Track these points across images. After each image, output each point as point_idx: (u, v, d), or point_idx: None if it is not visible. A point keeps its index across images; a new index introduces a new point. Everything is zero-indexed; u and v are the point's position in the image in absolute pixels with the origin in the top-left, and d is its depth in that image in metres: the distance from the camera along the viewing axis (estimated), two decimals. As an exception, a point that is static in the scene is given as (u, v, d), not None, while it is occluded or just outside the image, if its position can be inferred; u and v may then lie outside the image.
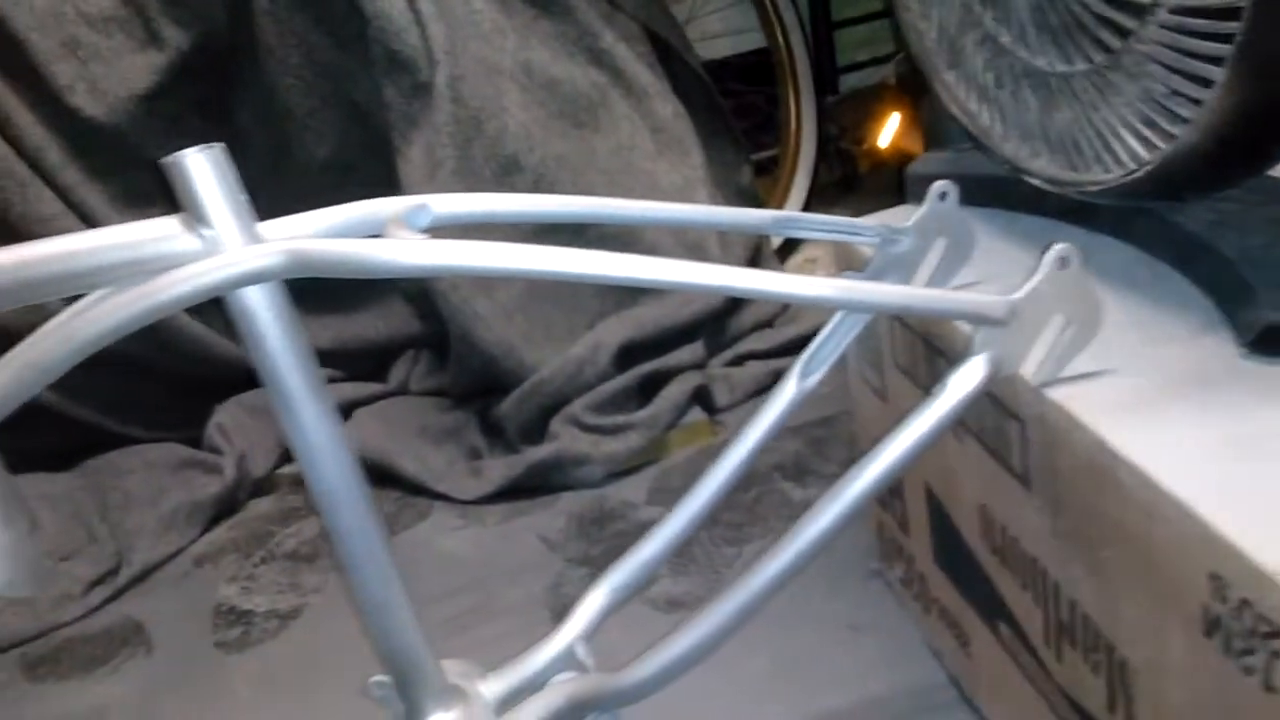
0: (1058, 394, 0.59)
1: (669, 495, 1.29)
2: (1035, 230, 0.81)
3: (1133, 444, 0.54)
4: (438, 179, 1.30)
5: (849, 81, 2.24)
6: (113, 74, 1.28)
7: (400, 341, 1.60)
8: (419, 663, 0.62)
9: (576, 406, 1.33)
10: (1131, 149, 0.63)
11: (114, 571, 1.29)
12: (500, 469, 1.32)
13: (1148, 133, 0.61)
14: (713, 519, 1.22)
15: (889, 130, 1.84)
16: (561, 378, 1.34)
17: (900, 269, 0.70)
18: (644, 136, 1.53)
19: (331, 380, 1.55)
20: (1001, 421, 0.66)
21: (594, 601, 0.75)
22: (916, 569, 0.92)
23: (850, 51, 2.19)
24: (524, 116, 1.36)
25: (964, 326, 0.68)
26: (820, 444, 1.32)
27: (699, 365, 1.44)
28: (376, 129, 1.40)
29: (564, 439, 1.30)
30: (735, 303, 1.54)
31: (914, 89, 1.82)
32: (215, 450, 1.43)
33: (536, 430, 1.36)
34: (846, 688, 0.92)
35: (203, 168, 0.48)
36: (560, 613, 1.13)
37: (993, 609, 0.77)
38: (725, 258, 1.50)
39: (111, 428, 1.48)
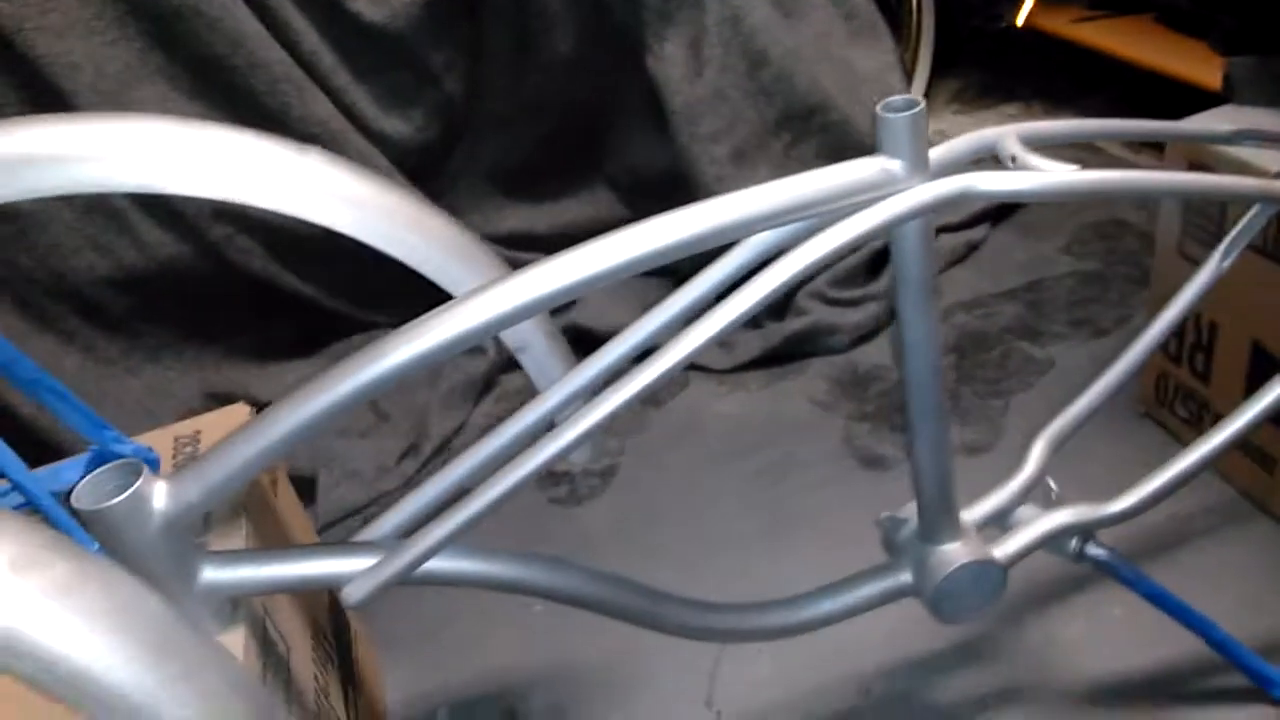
0: None
1: (910, 358, 1.46)
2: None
3: None
4: (705, 76, 1.40)
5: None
6: (398, -21, 1.33)
7: (606, 224, 1.70)
8: (948, 499, 0.79)
9: (820, 283, 1.48)
10: None
11: (415, 444, 1.43)
12: (755, 340, 1.47)
13: None
14: (971, 376, 1.41)
15: (1025, 9, 1.95)
16: (805, 257, 1.48)
17: (1302, 169, 0.86)
18: (838, 24, 1.63)
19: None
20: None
21: (1040, 448, 0.92)
22: (1212, 411, 1.11)
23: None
24: (764, 12, 1.45)
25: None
26: (1037, 307, 1.50)
27: (905, 241, 1.59)
28: (614, 26, 1.48)
29: (816, 312, 1.46)
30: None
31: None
32: (472, 333, 1.55)
33: (777, 306, 1.51)
34: (1152, 509, 1.12)
35: (906, 120, 0.62)
36: (863, 461, 1.33)
37: (1324, 437, 0.96)
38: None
39: (359, 316, 1.58)
